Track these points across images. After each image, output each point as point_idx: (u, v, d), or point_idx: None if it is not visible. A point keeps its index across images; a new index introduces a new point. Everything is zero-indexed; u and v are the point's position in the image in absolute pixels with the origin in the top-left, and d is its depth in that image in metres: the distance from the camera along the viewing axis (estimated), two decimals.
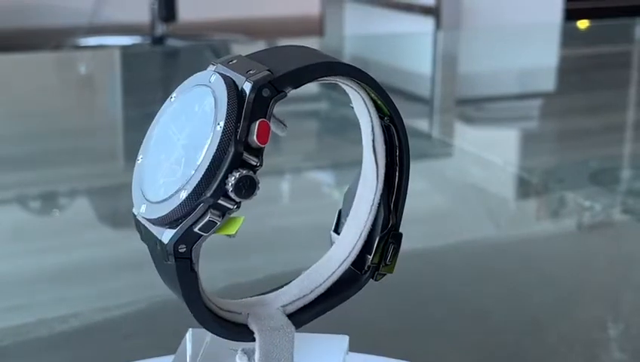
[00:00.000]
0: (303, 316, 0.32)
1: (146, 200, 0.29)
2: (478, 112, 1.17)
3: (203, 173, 0.27)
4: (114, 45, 2.29)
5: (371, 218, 0.33)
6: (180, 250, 0.28)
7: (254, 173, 0.28)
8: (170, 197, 0.28)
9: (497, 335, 0.52)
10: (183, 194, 0.28)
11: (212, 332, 0.31)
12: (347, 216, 0.33)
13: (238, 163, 0.27)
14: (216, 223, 0.28)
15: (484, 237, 0.71)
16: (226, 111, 0.28)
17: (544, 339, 0.51)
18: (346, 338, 0.35)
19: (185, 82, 0.30)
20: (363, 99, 0.31)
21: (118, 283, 0.59)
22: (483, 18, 2.16)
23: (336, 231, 0.34)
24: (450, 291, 0.58)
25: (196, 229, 0.28)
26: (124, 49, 2.01)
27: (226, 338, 0.31)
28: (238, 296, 0.32)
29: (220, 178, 0.27)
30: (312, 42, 1.84)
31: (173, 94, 0.31)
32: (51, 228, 0.73)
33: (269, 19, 2.81)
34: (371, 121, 0.32)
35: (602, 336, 0.51)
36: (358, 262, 0.33)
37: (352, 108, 0.32)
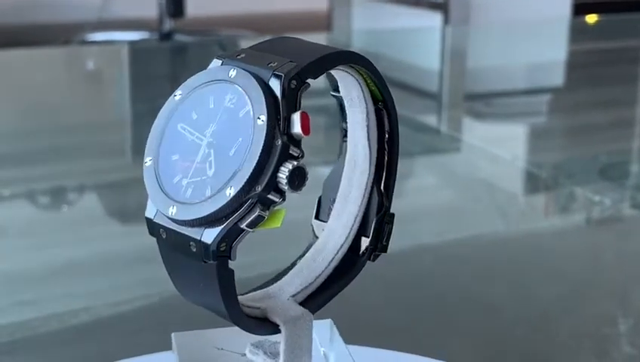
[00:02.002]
0: (313, 303, 0.33)
1: (175, 201, 0.28)
2: (487, 107, 1.17)
3: (253, 168, 0.27)
4: (122, 41, 2.29)
5: (365, 201, 0.33)
6: (220, 249, 0.28)
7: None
8: (211, 196, 0.27)
9: (507, 330, 0.52)
10: (231, 191, 0.27)
11: (244, 330, 0.31)
12: (333, 202, 0.34)
13: (286, 155, 0.27)
14: (264, 217, 0.27)
15: (493, 232, 0.71)
16: (265, 104, 0.28)
17: (554, 334, 0.51)
18: (330, 322, 0.35)
19: (190, 80, 0.30)
20: (361, 85, 0.32)
21: (127, 278, 0.59)
22: (491, 13, 2.16)
23: (318, 218, 0.34)
24: (460, 286, 0.58)
25: (243, 225, 0.27)
26: (132, 44, 2.02)
27: (254, 333, 0.31)
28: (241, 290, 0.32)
29: (270, 172, 0.27)
30: (320, 37, 1.84)
31: (177, 92, 0.30)
32: (61, 223, 0.73)
33: (276, 15, 2.81)
34: (367, 107, 0.32)
35: (612, 331, 0.51)
36: (354, 245, 0.33)
37: (335, 96, 0.32)
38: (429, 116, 1.12)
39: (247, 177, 0.27)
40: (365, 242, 0.33)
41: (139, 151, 0.88)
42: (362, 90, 0.32)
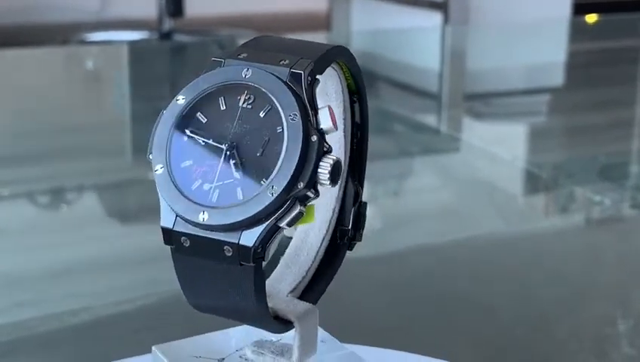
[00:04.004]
0: (311, 296, 0.33)
1: (204, 207, 0.28)
2: (487, 107, 1.16)
3: (295, 165, 0.27)
4: (121, 40, 2.29)
5: (341, 193, 0.33)
6: (257, 250, 0.27)
7: None
8: (249, 198, 0.27)
9: (507, 331, 0.52)
10: (274, 191, 0.27)
11: (269, 331, 0.31)
12: None
13: (322, 151, 0.27)
14: (303, 214, 0.27)
15: (492, 232, 0.70)
16: (295, 101, 0.28)
17: (554, 335, 0.51)
18: None
19: (193, 83, 0.29)
20: (340, 79, 0.32)
21: (127, 278, 0.59)
22: (491, 13, 2.16)
23: None
24: (460, 286, 0.58)
25: (282, 224, 0.27)
26: (132, 44, 2.01)
27: (275, 332, 0.31)
28: None
29: (312, 167, 0.27)
30: (319, 37, 1.84)
31: (180, 96, 0.29)
32: (60, 223, 0.73)
33: (276, 15, 2.81)
34: (344, 101, 0.33)
35: (612, 332, 0.51)
36: (333, 236, 0.34)
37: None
38: (429, 116, 1.12)
39: (290, 175, 0.27)
40: (343, 232, 0.34)
41: (139, 151, 0.88)
42: (341, 84, 0.32)
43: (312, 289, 0.33)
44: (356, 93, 0.32)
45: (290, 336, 0.32)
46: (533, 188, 0.85)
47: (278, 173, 0.27)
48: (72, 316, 0.52)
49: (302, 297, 0.33)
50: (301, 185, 0.27)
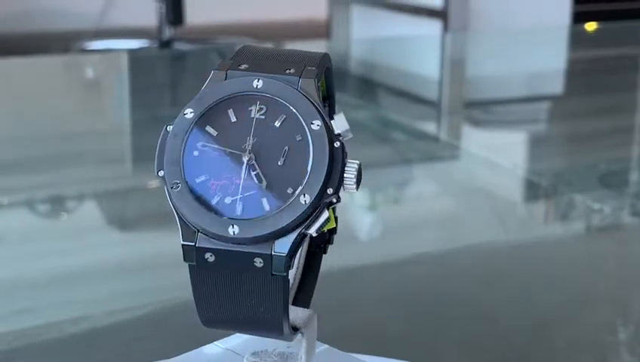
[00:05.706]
0: (303, 301, 0.33)
1: (233, 220, 0.27)
2: (486, 115, 1.17)
3: (325, 172, 0.27)
4: (121, 49, 2.29)
5: None
6: (287, 259, 0.27)
7: None
8: (280, 208, 0.27)
9: (507, 339, 0.52)
10: (306, 199, 0.27)
11: (283, 339, 0.31)
12: None
13: (345, 156, 0.28)
14: (329, 219, 0.27)
15: (492, 240, 0.70)
16: (315, 109, 0.28)
17: (553, 343, 0.51)
18: None
19: (199, 96, 0.29)
20: (318, 86, 0.32)
21: (127, 286, 0.59)
22: (491, 21, 2.16)
23: None
24: (459, 294, 0.58)
25: (311, 231, 0.27)
26: (132, 52, 2.02)
27: (287, 341, 0.31)
28: None
29: (339, 173, 0.27)
30: (319, 46, 1.84)
31: (188, 110, 0.29)
32: (59, 231, 0.73)
33: (275, 23, 2.81)
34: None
35: (612, 339, 0.51)
36: (310, 241, 0.34)
37: None
38: (428, 123, 1.12)
39: (321, 182, 0.27)
40: (319, 237, 0.33)
41: (138, 159, 0.88)
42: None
43: (301, 294, 0.33)
44: (327, 99, 0.32)
45: (283, 344, 0.32)
46: (533, 195, 0.85)
47: (308, 181, 0.27)
48: (71, 324, 0.52)
49: (294, 303, 0.33)
50: (330, 191, 0.27)
